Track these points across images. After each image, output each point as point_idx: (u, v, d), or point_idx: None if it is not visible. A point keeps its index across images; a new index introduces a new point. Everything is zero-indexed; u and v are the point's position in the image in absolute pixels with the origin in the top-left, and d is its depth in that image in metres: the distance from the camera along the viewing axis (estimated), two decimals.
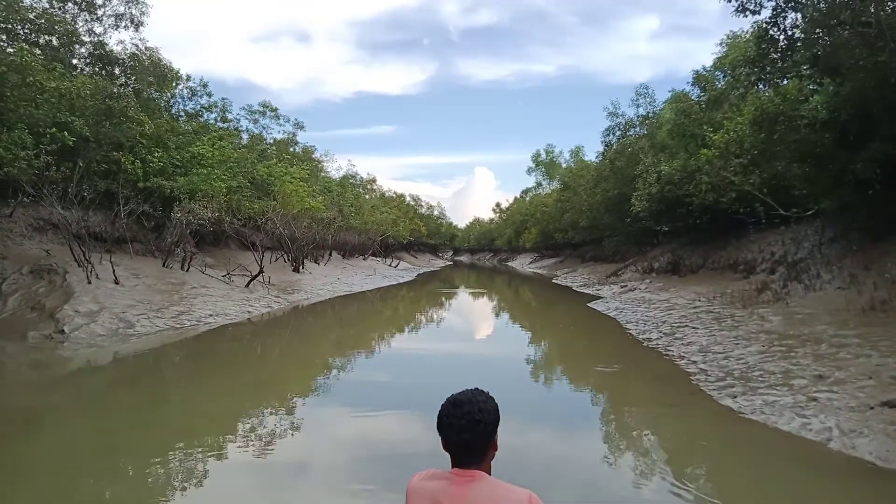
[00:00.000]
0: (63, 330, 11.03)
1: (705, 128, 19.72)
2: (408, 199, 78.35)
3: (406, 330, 16.74)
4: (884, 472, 4.85)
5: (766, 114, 12.94)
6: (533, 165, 70.75)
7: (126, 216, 16.78)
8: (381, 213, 50.98)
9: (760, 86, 14.85)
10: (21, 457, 5.56)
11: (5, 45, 16.62)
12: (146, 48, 21.27)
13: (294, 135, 40.10)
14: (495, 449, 1.72)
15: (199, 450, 5.76)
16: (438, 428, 1.69)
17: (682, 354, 10.08)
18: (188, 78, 26.05)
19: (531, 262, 64.94)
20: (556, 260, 55.53)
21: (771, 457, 5.45)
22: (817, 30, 11.39)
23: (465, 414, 1.65)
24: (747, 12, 12.35)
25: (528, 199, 74.09)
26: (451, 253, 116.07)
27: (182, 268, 18.15)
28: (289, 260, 27.71)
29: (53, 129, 13.81)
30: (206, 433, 6.40)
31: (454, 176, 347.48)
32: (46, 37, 18.88)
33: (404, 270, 49.00)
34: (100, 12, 21.05)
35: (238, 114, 34.22)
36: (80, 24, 20.65)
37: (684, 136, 22.50)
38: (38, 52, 17.08)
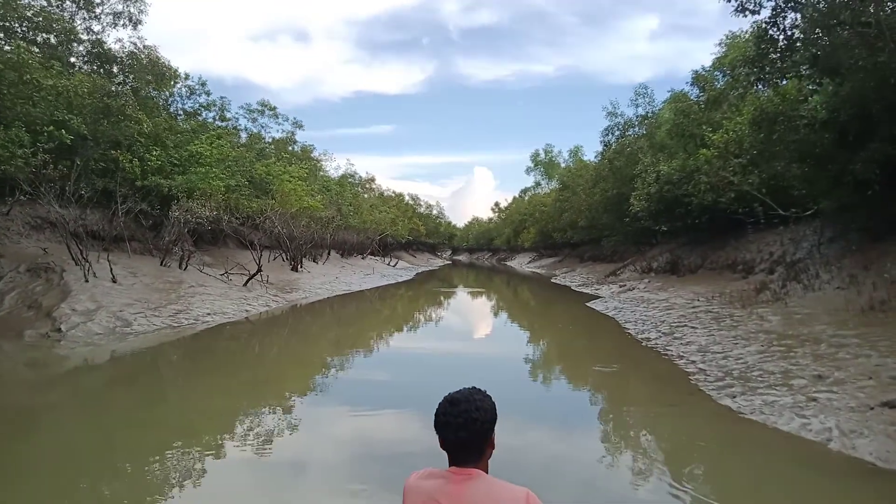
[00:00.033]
0: (60, 328, 10.99)
1: (704, 128, 19.71)
2: (406, 198, 78.40)
3: (404, 329, 16.71)
4: (884, 472, 4.83)
5: (766, 114, 12.93)
6: (532, 165, 70.83)
7: (124, 215, 16.74)
8: (380, 213, 50.94)
9: (760, 86, 14.84)
10: (17, 456, 5.53)
11: (2, 42, 16.56)
12: (144, 46, 21.24)
13: (293, 134, 40.14)
14: (492, 447, 1.72)
15: (197, 449, 5.73)
16: (436, 426, 1.69)
17: (681, 354, 10.06)
18: (186, 76, 26.06)
19: (530, 262, 64.95)
20: (554, 259, 55.54)
21: (771, 457, 5.44)
22: (817, 30, 11.38)
23: (462, 412, 1.65)
24: (747, 12, 12.35)
25: (526, 198, 74.11)
26: (449, 252, 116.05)
27: (180, 266, 18.11)
28: (287, 259, 27.67)
29: (51, 127, 13.77)
30: (203, 432, 6.37)
31: (453, 175, 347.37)
32: (44, 35, 18.83)
33: (403, 269, 48.97)
34: (98, 10, 20.98)
35: (237, 112, 34.24)
36: (79, 22, 20.61)
37: (683, 136, 22.49)
38: (36, 50, 17.03)
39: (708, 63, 26.06)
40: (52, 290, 12.42)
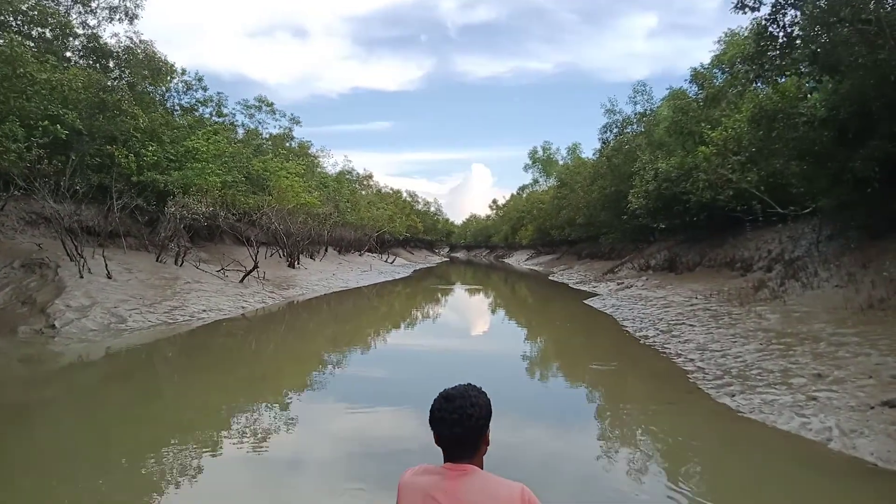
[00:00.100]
0: (54, 325, 10.90)
1: (703, 125, 19.63)
2: (404, 195, 78.22)
3: (401, 326, 16.66)
4: (885, 472, 4.79)
5: (765, 111, 12.88)
6: (530, 162, 70.82)
7: (119, 210, 16.62)
8: (378, 209, 50.78)
9: (759, 83, 14.79)
10: (11, 453, 5.47)
11: None
12: (140, 41, 21.05)
13: (290, 130, 39.90)
14: (487, 444, 1.72)
15: (193, 446, 5.67)
16: (430, 422, 1.69)
17: (680, 352, 10.02)
18: (183, 72, 25.85)
19: (527, 259, 64.94)
20: (552, 257, 55.54)
21: (770, 456, 5.39)
22: (816, 27, 11.30)
23: (456, 408, 1.65)
24: (746, 9, 12.25)
25: (524, 195, 74.03)
26: (447, 249, 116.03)
27: (176, 263, 18.02)
28: (284, 255, 27.58)
29: (45, 122, 13.65)
30: (199, 429, 6.32)
31: (451, 172, 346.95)
32: (40, 29, 18.66)
33: (400, 266, 48.92)
34: (93, 4, 20.80)
35: (234, 108, 33.84)
36: (74, 16, 20.41)
37: (682, 134, 22.42)
38: (31, 44, 16.88)
39: (707, 60, 26.01)
40: (47, 285, 12.33)
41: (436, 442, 1.70)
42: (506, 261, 74.13)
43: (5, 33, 16.01)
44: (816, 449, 5.42)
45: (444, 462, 1.69)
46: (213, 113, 29.18)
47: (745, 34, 20.17)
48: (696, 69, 24.21)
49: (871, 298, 9.36)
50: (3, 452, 5.48)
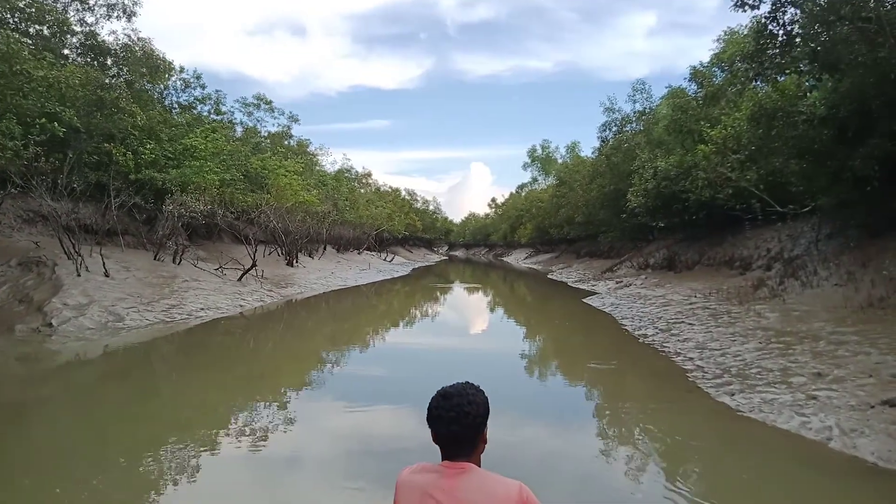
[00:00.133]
0: (51, 323, 10.86)
1: (702, 123, 19.61)
2: (403, 193, 78.02)
3: (400, 325, 16.64)
4: (885, 472, 4.77)
5: (764, 109, 12.85)
6: (529, 161, 70.70)
7: (117, 208, 16.56)
8: (376, 208, 50.70)
9: (758, 81, 14.76)
10: (9, 452, 5.43)
11: None
12: (139, 39, 20.96)
13: (289, 128, 39.89)
14: (485, 442, 1.73)
15: (191, 444, 5.64)
16: (428, 420, 1.70)
17: (679, 351, 10.00)
18: (181, 69, 25.78)
19: (526, 258, 64.90)
20: (551, 255, 55.53)
21: (770, 456, 5.37)
22: (816, 25, 11.28)
23: (454, 406, 1.65)
24: (746, 7, 12.22)
25: (523, 194, 73.95)
26: (446, 248, 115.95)
27: (174, 261, 17.96)
28: (282, 254, 27.53)
29: (43, 120, 13.57)
30: (197, 427, 6.29)
31: (450, 171, 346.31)
32: (37, 26, 18.59)
33: (399, 265, 48.89)
34: (91, 2, 20.71)
35: (232, 106, 33.80)
36: (72, 13, 20.33)
37: (681, 132, 22.40)
38: (29, 41, 16.81)
39: (706, 59, 26.02)
40: (44, 284, 12.28)
41: (433, 440, 1.70)
42: (504, 259, 74.09)
43: (2, 30, 15.92)
44: (816, 448, 5.40)
45: (442, 460, 1.69)
46: (212, 111, 29.13)
47: (745, 32, 20.17)
48: (695, 68, 24.23)
49: (871, 297, 9.34)
50: (1, 451, 5.44)
